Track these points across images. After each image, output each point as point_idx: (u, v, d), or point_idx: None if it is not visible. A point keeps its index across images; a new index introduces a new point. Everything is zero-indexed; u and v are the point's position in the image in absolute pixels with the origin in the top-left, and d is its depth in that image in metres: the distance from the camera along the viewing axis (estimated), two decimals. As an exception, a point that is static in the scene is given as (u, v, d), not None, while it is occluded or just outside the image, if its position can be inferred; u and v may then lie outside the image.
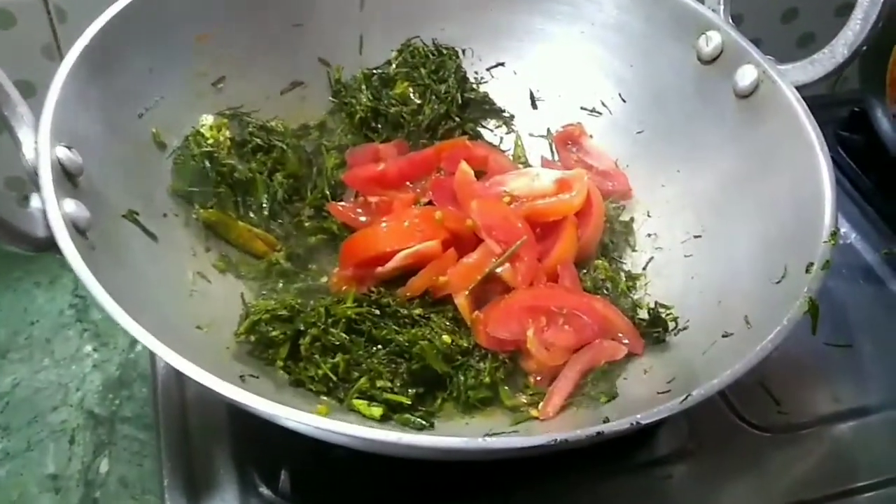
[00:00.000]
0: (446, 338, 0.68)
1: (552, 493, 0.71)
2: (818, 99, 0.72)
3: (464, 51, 0.90)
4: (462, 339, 0.70)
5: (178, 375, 0.75)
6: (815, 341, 0.80)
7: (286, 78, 0.86)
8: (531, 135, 0.91)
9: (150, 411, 0.86)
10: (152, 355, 0.78)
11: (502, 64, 0.91)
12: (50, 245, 0.57)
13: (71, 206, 0.59)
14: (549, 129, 0.90)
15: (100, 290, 0.54)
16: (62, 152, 0.62)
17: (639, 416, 0.52)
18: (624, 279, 0.78)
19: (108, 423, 0.87)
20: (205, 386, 0.52)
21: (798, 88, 0.73)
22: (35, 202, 0.59)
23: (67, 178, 0.62)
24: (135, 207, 0.68)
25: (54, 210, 0.57)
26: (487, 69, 0.91)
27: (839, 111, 1.03)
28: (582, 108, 0.89)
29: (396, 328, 0.69)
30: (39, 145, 0.60)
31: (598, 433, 0.51)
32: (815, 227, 0.64)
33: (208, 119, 0.80)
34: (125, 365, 0.92)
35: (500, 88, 0.91)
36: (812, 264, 0.62)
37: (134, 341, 0.94)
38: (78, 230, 0.59)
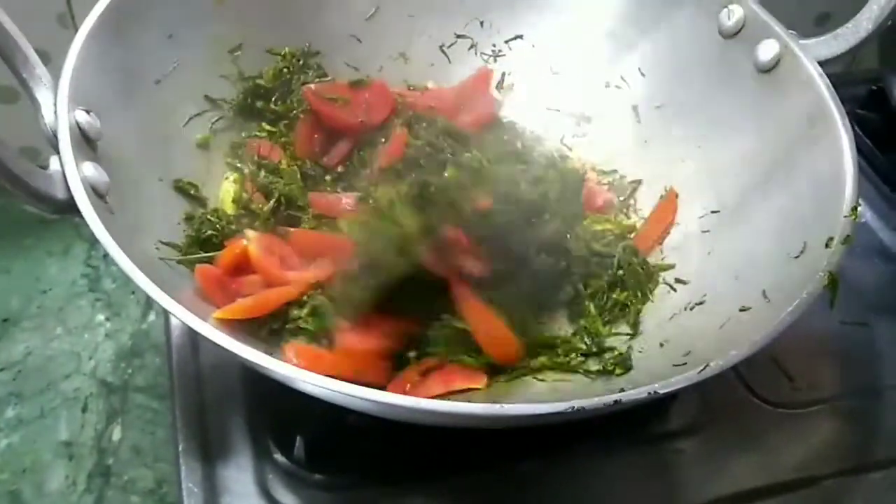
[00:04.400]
0: None
1: (562, 464, 0.71)
2: (835, 77, 0.72)
3: (482, 22, 0.90)
4: None
5: (193, 345, 0.75)
6: (829, 319, 0.81)
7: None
8: (548, 108, 0.90)
9: (162, 381, 0.87)
10: (167, 324, 0.78)
11: (520, 36, 0.90)
12: (68, 207, 0.57)
13: (90, 169, 0.59)
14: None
15: (119, 254, 0.54)
16: (81, 116, 0.61)
17: (657, 385, 0.52)
18: None
19: (120, 392, 0.88)
20: (223, 348, 0.52)
21: (820, 64, 0.72)
22: (54, 164, 0.59)
23: (86, 142, 0.62)
24: (153, 174, 0.68)
25: (73, 172, 0.57)
26: (505, 42, 0.90)
27: (856, 89, 1.02)
28: (600, 81, 0.88)
29: None
30: (58, 108, 0.60)
31: (616, 401, 0.51)
32: (835, 202, 0.64)
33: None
34: (137, 335, 0.93)
35: (517, 61, 0.91)
36: (832, 238, 0.61)
37: (146, 312, 0.94)
38: (97, 194, 0.59)
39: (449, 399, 0.64)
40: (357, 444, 0.69)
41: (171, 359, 0.75)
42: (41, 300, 0.94)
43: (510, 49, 0.91)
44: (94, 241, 0.55)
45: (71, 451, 0.83)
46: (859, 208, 0.64)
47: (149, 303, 0.94)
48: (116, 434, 0.84)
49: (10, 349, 0.90)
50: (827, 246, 0.61)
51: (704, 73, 0.80)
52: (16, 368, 0.88)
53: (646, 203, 0.84)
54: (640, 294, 0.74)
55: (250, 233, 0.69)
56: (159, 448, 0.83)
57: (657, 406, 0.75)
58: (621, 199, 0.85)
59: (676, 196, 0.81)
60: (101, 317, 0.94)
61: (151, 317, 0.94)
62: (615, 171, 0.86)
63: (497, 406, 0.50)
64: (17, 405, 0.85)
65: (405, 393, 0.63)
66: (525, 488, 0.69)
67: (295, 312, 0.68)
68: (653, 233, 0.80)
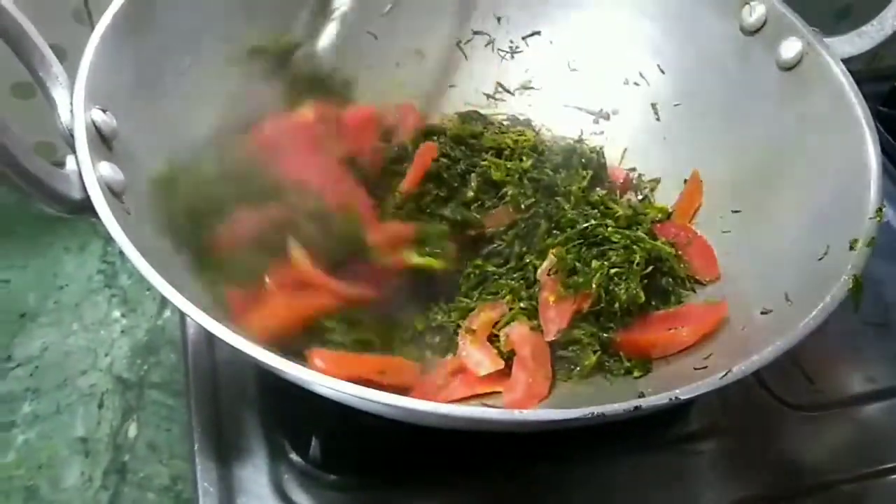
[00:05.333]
0: None
1: (579, 466, 0.71)
2: (856, 74, 0.71)
3: (499, 18, 0.89)
4: None
5: (209, 342, 0.75)
6: (850, 320, 0.80)
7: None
8: (566, 106, 0.89)
9: (178, 377, 0.87)
10: (182, 321, 0.78)
11: (538, 32, 0.90)
12: (85, 207, 0.57)
13: (106, 168, 0.59)
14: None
15: (136, 254, 0.54)
16: (97, 115, 0.61)
17: (678, 391, 0.52)
18: None
19: (136, 389, 0.88)
20: (241, 351, 0.52)
21: (844, 62, 0.71)
22: (70, 164, 0.58)
23: (102, 141, 0.61)
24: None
25: (90, 172, 0.57)
26: (523, 38, 0.90)
27: (878, 86, 1.01)
28: (619, 78, 0.88)
29: None
30: (74, 107, 0.60)
31: (636, 407, 0.50)
32: (859, 203, 0.63)
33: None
34: (153, 331, 0.92)
35: (535, 57, 0.90)
36: (856, 241, 0.60)
37: (161, 308, 0.94)
38: (113, 193, 0.58)
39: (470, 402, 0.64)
40: (373, 445, 0.69)
41: (187, 355, 0.76)
42: (58, 296, 0.94)
43: (528, 45, 0.90)
44: (110, 238, 0.55)
45: (87, 448, 0.83)
46: (884, 209, 0.63)
47: (165, 299, 0.94)
48: (132, 430, 0.84)
49: (28, 345, 0.90)
50: (851, 248, 0.60)
51: (725, 70, 0.79)
52: (33, 364, 0.88)
53: (664, 201, 0.83)
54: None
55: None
56: (175, 445, 0.83)
57: (676, 409, 0.74)
58: (640, 197, 0.84)
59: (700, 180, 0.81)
60: (117, 313, 0.94)
61: (167, 313, 0.94)
62: (633, 169, 0.86)
63: (515, 412, 0.50)
64: (33, 401, 0.85)
65: (432, 396, 0.63)
66: (542, 490, 0.69)
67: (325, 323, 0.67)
68: (682, 219, 0.80)
